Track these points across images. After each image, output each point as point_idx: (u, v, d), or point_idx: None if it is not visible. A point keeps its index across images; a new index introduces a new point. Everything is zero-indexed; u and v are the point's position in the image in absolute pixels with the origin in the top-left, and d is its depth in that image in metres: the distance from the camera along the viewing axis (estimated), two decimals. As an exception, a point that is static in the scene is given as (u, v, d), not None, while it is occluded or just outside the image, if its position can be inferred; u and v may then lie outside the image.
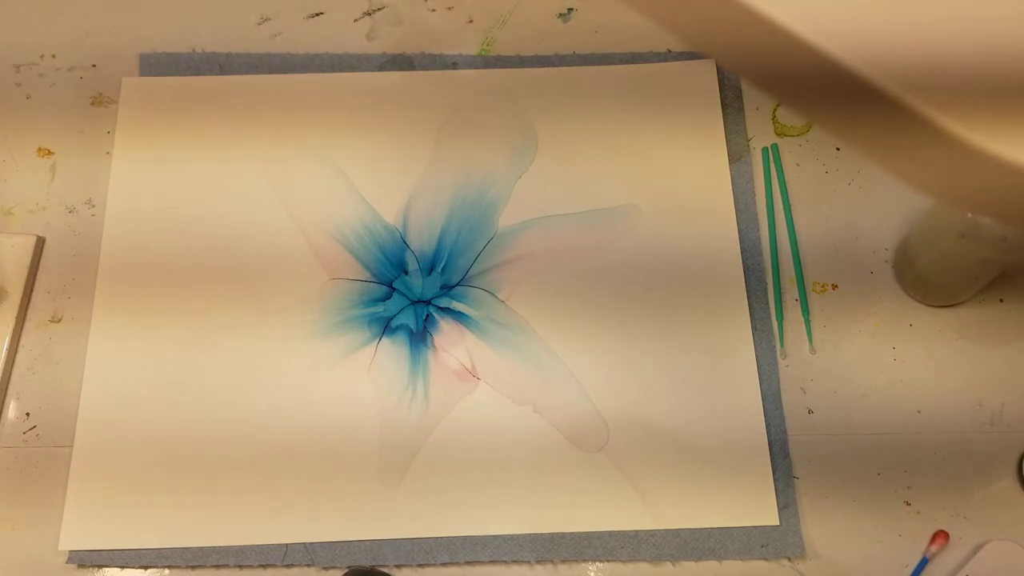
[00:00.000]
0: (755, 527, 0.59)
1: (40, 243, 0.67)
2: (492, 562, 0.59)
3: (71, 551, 0.58)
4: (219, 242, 0.67)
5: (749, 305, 0.65)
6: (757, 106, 0.72)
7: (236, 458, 0.61)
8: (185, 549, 0.59)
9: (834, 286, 0.66)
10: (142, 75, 0.73)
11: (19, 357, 0.64)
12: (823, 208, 0.69)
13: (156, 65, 0.73)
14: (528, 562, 0.59)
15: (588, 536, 0.59)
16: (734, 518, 0.59)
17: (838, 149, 0.71)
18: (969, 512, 0.60)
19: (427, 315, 0.65)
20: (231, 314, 0.65)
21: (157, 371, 0.63)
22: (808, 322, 0.65)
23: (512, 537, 0.59)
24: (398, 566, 0.59)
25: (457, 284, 0.66)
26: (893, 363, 0.64)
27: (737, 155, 0.70)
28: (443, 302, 0.66)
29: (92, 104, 0.72)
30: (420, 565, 0.59)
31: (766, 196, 0.69)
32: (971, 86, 0.26)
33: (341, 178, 0.69)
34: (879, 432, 0.62)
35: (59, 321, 0.65)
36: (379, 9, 0.76)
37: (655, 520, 0.59)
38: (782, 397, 0.63)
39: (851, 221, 0.68)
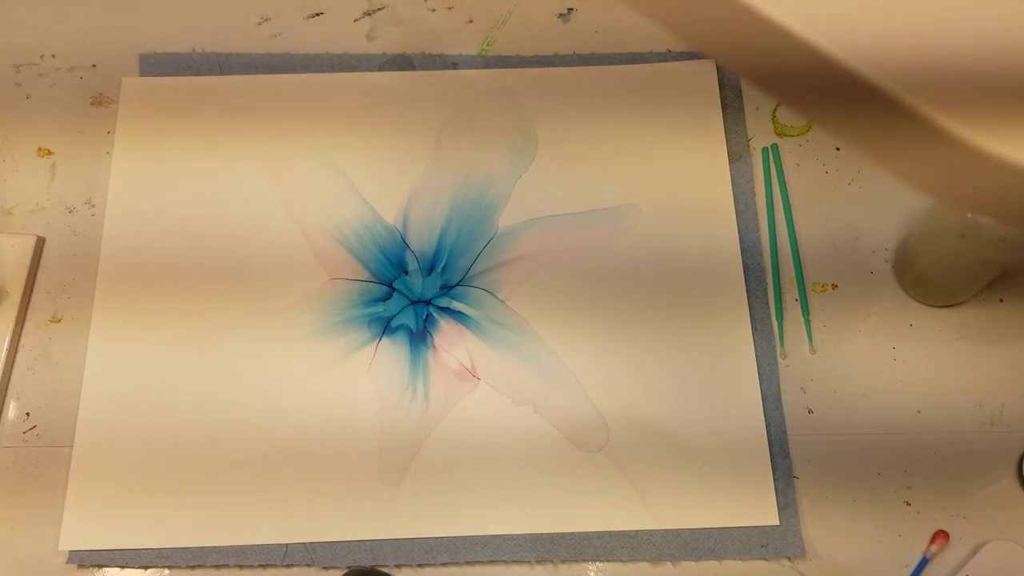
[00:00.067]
0: (755, 527, 0.59)
1: (40, 243, 0.67)
2: (492, 562, 0.59)
3: (71, 551, 0.58)
4: (219, 242, 0.67)
5: (749, 305, 0.65)
6: (757, 106, 0.72)
7: (236, 458, 0.61)
8: (185, 549, 0.59)
9: (834, 286, 0.66)
10: (142, 75, 0.73)
11: (19, 357, 0.64)
12: (823, 208, 0.69)
13: (156, 65, 0.73)
14: (528, 562, 0.59)
15: (588, 536, 0.59)
16: (734, 518, 0.59)
17: (838, 149, 0.71)
18: (969, 512, 0.60)
19: (427, 315, 0.65)
20: (231, 314, 0.65)
21: (157, 371, 0.63)
22: (808, 322, 0.65)
23: (512, 537, 0.59)
24: (398, 566, 0.59)
25: (457, 284, 0.66)
26: (893, 363, 0.64)
27: (737, 155, 0.70)
28: (443, 302, 0.66)
29: (92, 104, 0.72)
30: (420, 565, 0.59)
31: (766, 196, 0.69)
32: (971, 86, 0.26)
33: (341, 178, 0.69)
34: (879, 432, 0.62)
35: (59, 321, 0.65)
36: (379, 9, 0.76)
37: (655, 520, 0.59)
38: (782, 397, 0.63)
39: (851, 221, 0.68)
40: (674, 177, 0.69)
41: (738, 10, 0.27)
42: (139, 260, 0.66)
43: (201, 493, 0.60)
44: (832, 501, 0.60)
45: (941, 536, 0.59)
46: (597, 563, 0.59)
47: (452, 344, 0.64)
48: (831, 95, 0.28)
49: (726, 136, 0.70)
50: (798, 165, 0.70)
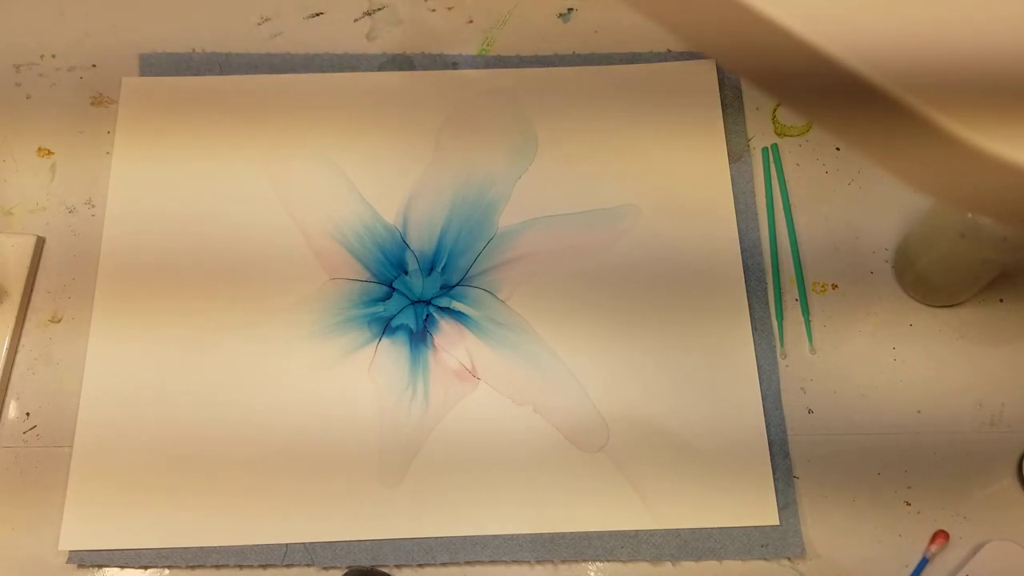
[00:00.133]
0: (755, 527, 0.59)
1: (40, 243, 0.67)
2: (492, 562, 0.59)
3: (71, 551, 0.58)
4: (219, 242, 0.67)
5: (749, 305, 0.65)
6: (757, 106, 0.72)
7: (236, 458, 0.61)
8: (185, 549, 0.59)
9: (834, 286, 0.66)
10: (142, 75, 0.73)
11: (19, 357, 0.64)
12: (823, 208, 0.69)
13: (156, 65, 0.73)
14: (528, 562, 0.59)
15: (588, 536, 0.59)
16: (734, 518, 0.59)
17: (838, 149, 0.71)
18: (969, 512, 0.60)
19: (427, 315, 0.65)
20: (231, 314, 0.65)
21: (157, 371, 0.63)
22: (808, 322, 0.65)
23: (512, 537, 0.59)
24: (398, 566, 0.59)
25: (457, 284, 0.66)
26: (893, 363, 0.64)
27: (737, 155, 0.70)
28: (443, 302, 0.66)
29: (92, 104, 0.72)
30: (420, 565, 0.59)
31: (766, 196, 0.69)
32: (971, 86, 0.26)
33: (341, 178, 0.69)
34: (879, 432, 0.62)
35: (59, 321, 0.65)
36: (379, 9, 0.76)
37: (655, 520, 0.59)
38: (782, 397, 0.63)
39: (851, 221, 0.68)
40: (674, 177, 0.69)
41: (738, 10, 0.27)
42: (139, 260, 0.66)
43: (201, 493, 0.60)
44: (832, 501, 0.60)
45: (941, 536, 0.59)
46: (597, 563, 0.59)
47: (452, 344, 0.64)
48: (831, 95, 0.28)
49: (726, 136, 0.70)
50: (798, 165, 0.70)
